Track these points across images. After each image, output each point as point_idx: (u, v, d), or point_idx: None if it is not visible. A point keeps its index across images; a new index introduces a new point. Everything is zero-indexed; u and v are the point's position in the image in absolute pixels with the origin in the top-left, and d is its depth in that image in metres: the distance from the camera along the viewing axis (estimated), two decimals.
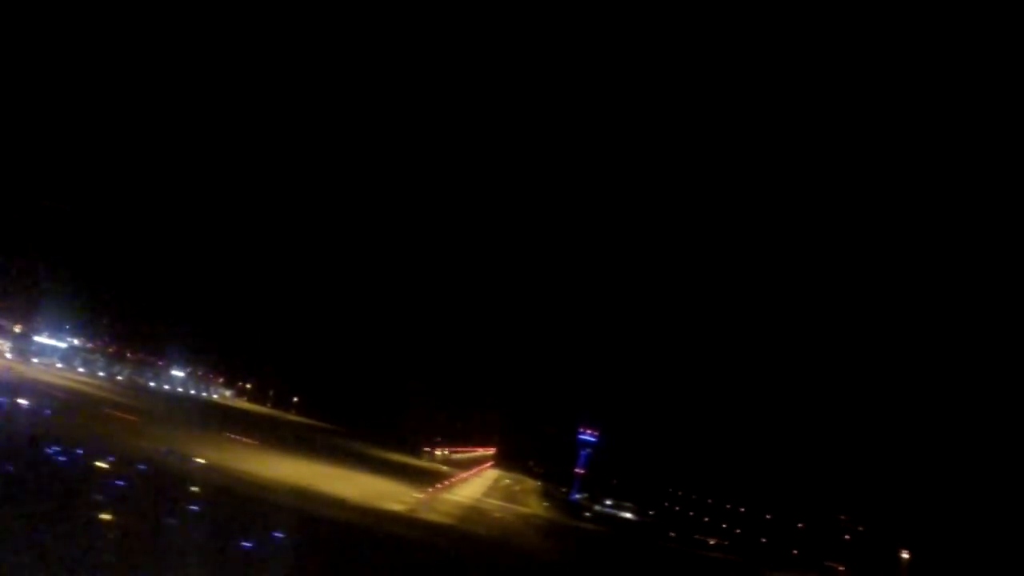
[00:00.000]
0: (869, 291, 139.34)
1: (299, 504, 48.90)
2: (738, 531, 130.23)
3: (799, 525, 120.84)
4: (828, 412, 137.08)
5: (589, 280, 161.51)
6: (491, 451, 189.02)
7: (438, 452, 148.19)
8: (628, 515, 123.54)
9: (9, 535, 23.30)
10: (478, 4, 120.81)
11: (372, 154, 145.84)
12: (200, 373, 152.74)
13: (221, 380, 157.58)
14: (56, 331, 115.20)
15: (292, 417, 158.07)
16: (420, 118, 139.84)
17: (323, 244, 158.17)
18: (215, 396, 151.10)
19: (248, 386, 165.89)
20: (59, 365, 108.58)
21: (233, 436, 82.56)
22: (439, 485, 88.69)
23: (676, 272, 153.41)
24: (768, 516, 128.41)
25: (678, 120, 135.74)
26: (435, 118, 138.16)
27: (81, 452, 40.99)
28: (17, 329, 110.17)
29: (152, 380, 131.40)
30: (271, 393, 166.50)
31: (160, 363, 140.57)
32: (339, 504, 53.69)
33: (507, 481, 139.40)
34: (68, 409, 60.81)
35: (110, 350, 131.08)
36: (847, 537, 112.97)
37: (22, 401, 55.28)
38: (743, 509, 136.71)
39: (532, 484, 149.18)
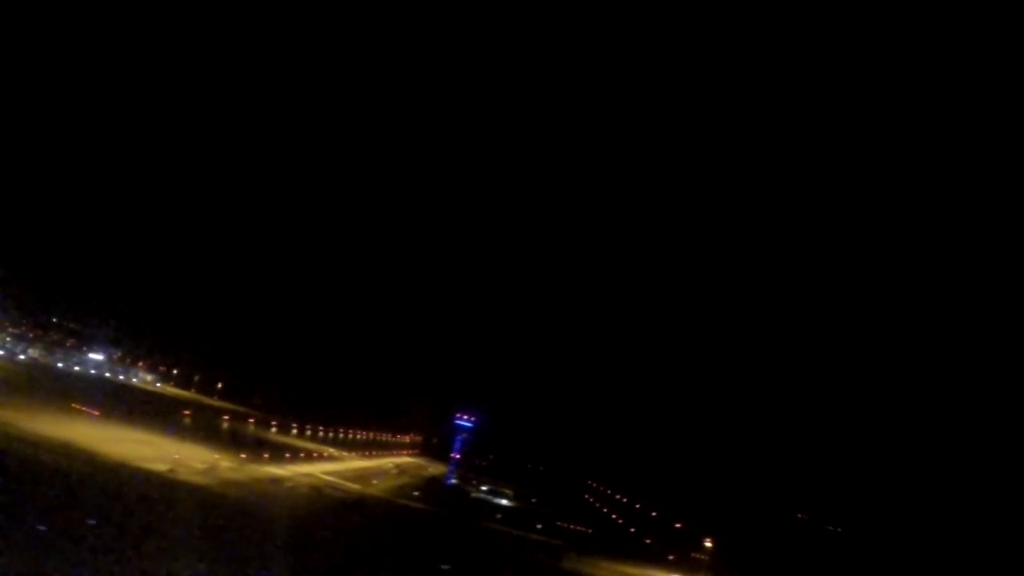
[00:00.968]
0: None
1: (45, 457, 55.57)
2: (617, 518, 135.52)
3: (655, 513, 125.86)
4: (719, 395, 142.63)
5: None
6: (419, 439, 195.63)
7: (342, 435, 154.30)
8: (504, 501, 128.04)
9: None
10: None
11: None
12: (121, 357, 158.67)
13: (141, 364, 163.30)
14: None
15: (210, 401, 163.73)
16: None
17: (247, 227, 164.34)
18: (134, 380, 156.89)
19: (174, 371, 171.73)
20: None
21: (79, 408, 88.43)
22: (270, 456, 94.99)
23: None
24: (639, 505, 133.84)
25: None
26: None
27: None
28: None
29: (60, 362, 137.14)
30: (196, 379, 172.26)
31: (76, 344, 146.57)
32: (90, 460, 59.63)
33: (402, 465, 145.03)
34: None
35: (21, 329, 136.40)
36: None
37: None
38: (625, 498, 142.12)
39: (436, 471, 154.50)
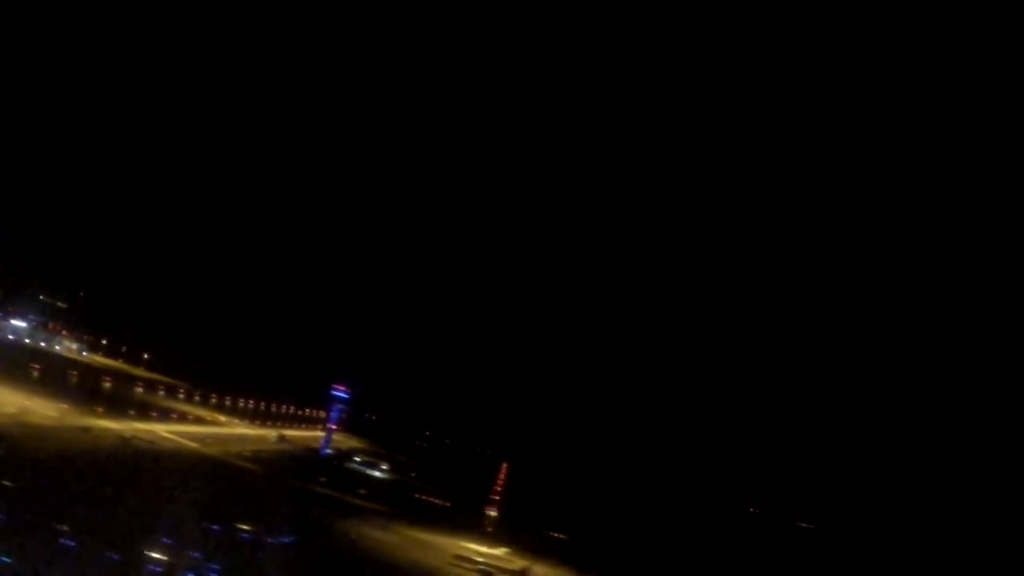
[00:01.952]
0: None
1: None
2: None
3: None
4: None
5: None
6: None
7: (253, 407, 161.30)
8: (378, 473, 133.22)
9: None
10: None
11: None
12: (46, 324, 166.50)
13: (64, 333, 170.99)
14: None
15: (134, 371, 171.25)
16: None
17: (182, 204, 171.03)
18: (56, 348, 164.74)
19: (103, 341, 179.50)
20: None
21: None
22: (129, 414, 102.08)
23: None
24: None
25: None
26: None
27: None
28: None
29: None
30: (123, 349, 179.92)
31: None
32: None
33: (293, 437, 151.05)
34: None
35: None
36: None
37: None
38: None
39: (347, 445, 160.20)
